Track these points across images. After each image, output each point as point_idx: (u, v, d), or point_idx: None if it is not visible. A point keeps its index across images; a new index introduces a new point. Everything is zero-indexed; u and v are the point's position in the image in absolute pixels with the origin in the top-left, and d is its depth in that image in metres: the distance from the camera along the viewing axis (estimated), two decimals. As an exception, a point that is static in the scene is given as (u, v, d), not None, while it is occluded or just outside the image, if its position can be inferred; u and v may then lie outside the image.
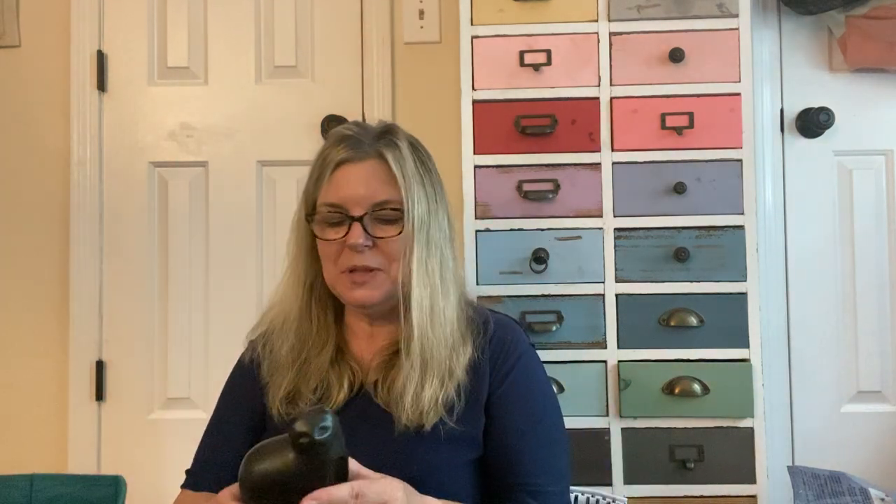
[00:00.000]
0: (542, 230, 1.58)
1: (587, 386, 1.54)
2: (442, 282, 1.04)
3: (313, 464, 0.74)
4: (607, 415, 1.55)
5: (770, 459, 1.60)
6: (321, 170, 1.04)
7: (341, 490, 0.75)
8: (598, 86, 1.60)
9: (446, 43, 1.98)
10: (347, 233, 1.00)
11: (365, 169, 1.03)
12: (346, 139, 1.05)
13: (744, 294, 1.55)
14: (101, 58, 2.04)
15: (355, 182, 1.02)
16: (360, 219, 1.00)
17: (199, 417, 1.12)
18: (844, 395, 1.92)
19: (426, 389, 0.98)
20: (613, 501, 1.49)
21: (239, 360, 1.14)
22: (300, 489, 0.74)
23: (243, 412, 1.09)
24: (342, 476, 0.77)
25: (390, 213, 1.02)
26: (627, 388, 1.54)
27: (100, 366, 2.00)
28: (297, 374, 1.04)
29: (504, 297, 1.57)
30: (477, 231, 1.59)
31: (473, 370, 1.03)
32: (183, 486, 1.09)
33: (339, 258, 1.02)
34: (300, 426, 0.72)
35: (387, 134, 1.06)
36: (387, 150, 1.03)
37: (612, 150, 1.58)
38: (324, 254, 1.04)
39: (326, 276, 1.05)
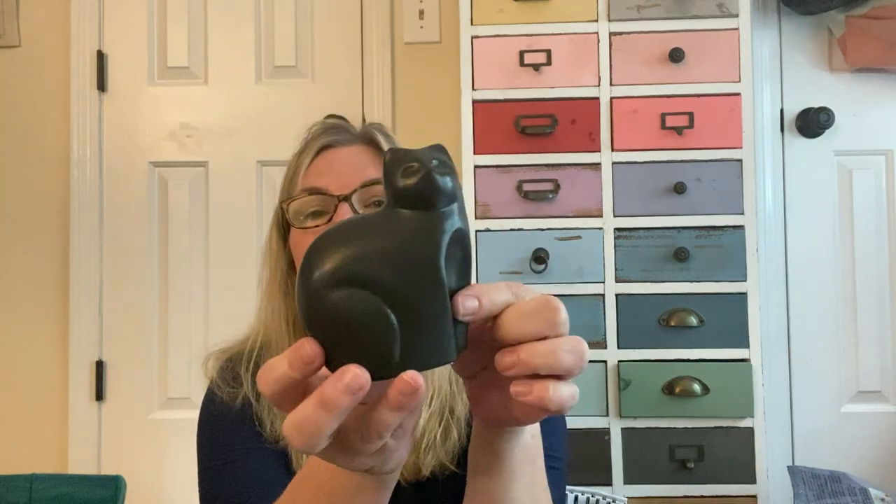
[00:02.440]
0: (542, 230, 1.58)
1: (587, 386, 1.54)
2: None
3: (432, 229, 0.44)
4: (607, 415, 1.55)
5: (770, 459, 1.60)
6: (298, 162, 0.89)
7: (497, 285, 0.49)
8: (598, 86, 1.60)
9: (446, 43, 1.98)
10: (332, 218, 0.83)
11: (352, 152, 0.89)
12: (329, 127, 0.93)
13: (744, 294, 1.55)
14: (101, 58, 2.04)
15: (339, 164, 0.87)
16: (347, 198, 0.82)
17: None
18: (844, 395, 1.92)
19: (423, 414, 0.79)
20: (613, 501, 1.49)
21: (222, 408, 0.93)
22: (408, 273, 0.43)
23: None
24: (468, 257, 0.47)
25: (383, 193, 0.85)
26: (627, 388, 1.54)
27: (100, 366, 2.00)
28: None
29: (504, 297, 1.57)
30: (477, 231, 1.59)
31: (469, 424, 0.81)
32: None
33: None
34: (402, 160, 0.45)
35: (374, 125, 0.95)
36: (376, 133, 0.90)
37: (612, 150, 1.58)
38: (301, 255, 0.79)
39: None
